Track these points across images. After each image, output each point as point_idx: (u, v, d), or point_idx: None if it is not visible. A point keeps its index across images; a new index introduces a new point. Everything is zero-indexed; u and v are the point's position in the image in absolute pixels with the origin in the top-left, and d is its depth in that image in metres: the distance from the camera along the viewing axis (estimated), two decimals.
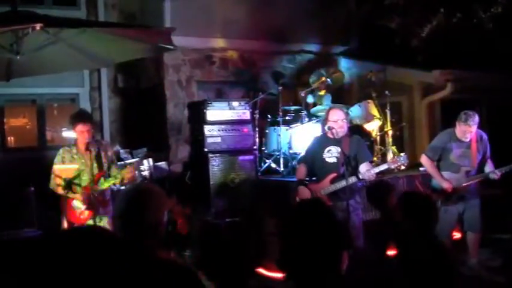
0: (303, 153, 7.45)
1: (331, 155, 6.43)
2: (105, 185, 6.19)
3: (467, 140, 6.96)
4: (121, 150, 8.89)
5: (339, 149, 6.33)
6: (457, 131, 6.99)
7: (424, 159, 7.22)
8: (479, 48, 9.64)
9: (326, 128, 6.51)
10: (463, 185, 6.92)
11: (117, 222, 2.78)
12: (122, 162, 7.10)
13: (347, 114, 6.75)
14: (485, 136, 7.16)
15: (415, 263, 3.46)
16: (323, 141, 6.60)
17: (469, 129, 6.86)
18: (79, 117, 6.26)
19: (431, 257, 3.44)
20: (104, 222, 6.20)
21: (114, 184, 6.42)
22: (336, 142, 6.40)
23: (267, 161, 9.13)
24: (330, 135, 6.48)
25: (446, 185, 6.92)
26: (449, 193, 6.94)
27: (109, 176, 6.27)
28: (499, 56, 9.12)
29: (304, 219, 2.67)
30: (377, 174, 6.37)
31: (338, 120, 6.39)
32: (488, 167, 7.05)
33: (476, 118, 6.88)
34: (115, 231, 2.76)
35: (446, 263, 3.50)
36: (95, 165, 6.15)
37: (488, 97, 11.36)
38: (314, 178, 6.65)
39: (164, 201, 2.88)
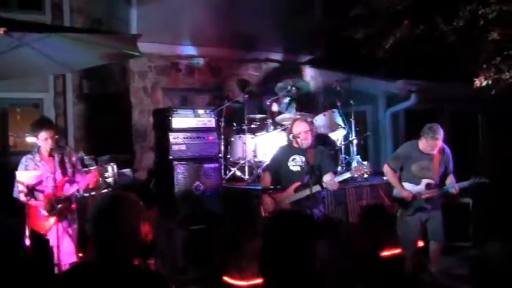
0: (267, 161, 7.48)
1: (296, 163, 6.49)
2: (70, 190, 6.14)
3: (430, 152, 7.00)
4: (85, 157, 8.79)
5: (304, 158, 6.37)
6: (422, 145, 7.01)
7: (386, 168, 7.26)
8: (442, 60, 9.81)
9: (291, 137, 6.54)
10: (423, 196, 6.99)
11: (90, 229, 2.77)
12: (86, 169, 7.02)
13: (312, 124, 6.79)
14: (448, 150, 7.20)
15: None
16: (288, 150, 6.65)
17: (436, 142, 6.89)
18: (41, 124, 6.19)
19: None
20: (70, 230, 6.14)
21: (77, 191, 6.36)
22: (301, 151, 6.46)
23: (232, 169, 9.14)
24: (295, 144, 6.54)
25: (406, 195, 6.97)
26: (409, 202, 7.00)
27: (73, 181, 6.22)
28: (460, 67, 9.30)
29: (284, 227, 2.85)
30: (340, 182, 6.41)
31: (302, 132, 6.46)
32: (449, 181, 7.12)
33: (442, 132, 6.92)
34: (88, 238, 2.77)
35: None
36: (59, 171, 6.10)
37: (451, 107, 11.56)
38: (279, 186, 6.65)
39: (139, 209, 2.89)
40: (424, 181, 7.01)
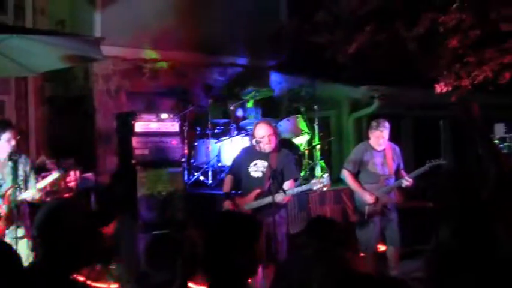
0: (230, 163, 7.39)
1: (257, 169, 6.41)
2: (22, 196, 6.01)
3: (381, 148, 7.21)
4: (47, 161, 8.68)
5: (266, 163, 6.32)
6: (371, 141, 7.25)
7: (344, 173, 7.36)
8: (404, 66, 9.95)
9: (254, 142, 6.47)
10: (383, 193, 7.10)
11: (35, 238, 2.77)
12: (47, 173, 6.92)
13: (275, 128, 6.73)
14: (398, 149, 7.44)
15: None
16: (250, 154, 6.57)
17: (381, 134, 7.12)
18: (5, 125, 6.10)
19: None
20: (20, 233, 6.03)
21: (32, 197, 6.21)
22: (263, 156, 6.40)
23: (196, 173, 9.13)
24: (257, 148, 6.45)
25: (368, 197, 7.06)
26: (372, 205, 7.08)
27: (26, 188, 6.11)
28: (421, 73, 9.45)
29: (226, 229, 3.00)
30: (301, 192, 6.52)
31: (265, 136, 6.36)
32: (402, 175, 7.28)
33: (387, 124, 7.19)
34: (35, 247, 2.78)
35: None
36: (10, 177, 5.97)
37: (413, 112, 11.73)
38: (240, 192, 6.62)
39: (82, 218, 2.88)
40: (382, 177, 7.19)
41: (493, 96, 10.01)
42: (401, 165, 7.41)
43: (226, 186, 6.63)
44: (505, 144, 11.42)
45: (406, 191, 8.26)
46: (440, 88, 8.77)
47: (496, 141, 11.40)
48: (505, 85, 8.77)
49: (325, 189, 6.37)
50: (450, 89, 8.78)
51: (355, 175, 7.32)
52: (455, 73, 8.69)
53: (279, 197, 6.11)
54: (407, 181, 7.09)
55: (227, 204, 6.41)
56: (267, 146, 6.37)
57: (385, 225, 7.21)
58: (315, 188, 6.26)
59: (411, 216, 8.10)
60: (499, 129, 11.83)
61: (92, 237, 2.88)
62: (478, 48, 8.72)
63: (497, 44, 8.57)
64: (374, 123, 7.22)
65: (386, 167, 7.23)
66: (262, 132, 6.41)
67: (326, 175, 6.34)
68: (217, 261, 2.90)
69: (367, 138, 7.41)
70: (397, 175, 7.30)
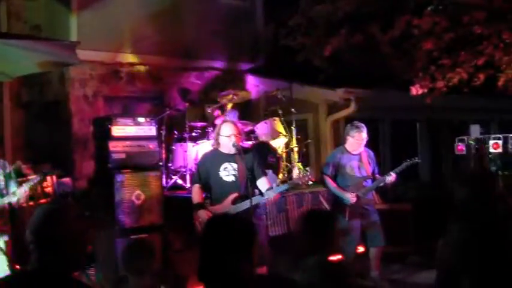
0: (194, 173, 7.15)
1: (228, 173, 6.19)
2: (7, 200, 5.99)
3: (358, 152, 7.30)
4: (23, 166, 8.63)
5: (235, 165, 6.16)
6: (349, 144, 7.34)
7: (324, 178, 7.40)
8: (380, 69, 10.05)
9: (221, 139, 6.26)
10: (363, 193, 7.17)
11: (29, 239, 2.74)
12: (24, 178, 6.88)
13: (240, 128, 6.62)
14: (372, 153, 7.57)
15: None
16: (217, 158, 6.30)
17: (362, 135, 7.22)
18: None
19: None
20: (1, 242, 6.00)
21: (10, 202, 6.19)
22: (231, 158, 6.20)
23: (173, 177, 9.12)
24: (223, 150, 6.27)
25: (349, 196, 7.09)
26: (352, 206, 7.12)
27: (6, 193, 6.08)
28: (397, 76, 9.55)
29: (225, 234, 2.87)
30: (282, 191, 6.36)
31: (231, 135, 6.16)
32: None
33: (364, 127, 7.29)
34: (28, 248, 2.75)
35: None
36: None
37: (390, 115, 11.82)
38: (209, 200, 6.40)
39: (78, 220, 2.86)
40: (360, 179, 7.27)
41: (468, 97, 10.13)
42: (376, 170, 7.49)
43: (197, 196, 6.33)
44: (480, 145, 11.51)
45: (382, 194, 8.35)
46: (415, 90, 8.86)
47: (472, 142, 11.50)
48: (479, 87, 8.88)
49: (310, 182, 6.34)
50: (425, 91, 8.87)
51: (334, 179, 7.36)
52: (430, 75, 8.78)
53: (272, 194, 6.03)
54: (390, 176, 7.14)
55: (202, 214, 6.10)
56: (231, 146, 6.13)
57: (367, 226, 7.27)
58: (299, 182, 6.26)
59: (390, 218, 8.15)
60: (475, 130, 11.94)
61: (87, 241, 2.87)
62: (452, 51, 8.83)
63: (470, 46, 8.68)
64: (354, 127, 7.29)
65: (363, 169, 7.32)
66: (228, 131, 6.19)
67: (308, 169, 6.33)
68: (215, 268, 2.80)
69: (344, 141, 7.45)
70: (373, 180, 7.38)
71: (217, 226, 2.98)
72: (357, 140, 7.24)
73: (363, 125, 7.31)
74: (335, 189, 7.31)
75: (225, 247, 2.79)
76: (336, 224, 4.15)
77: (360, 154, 7.33)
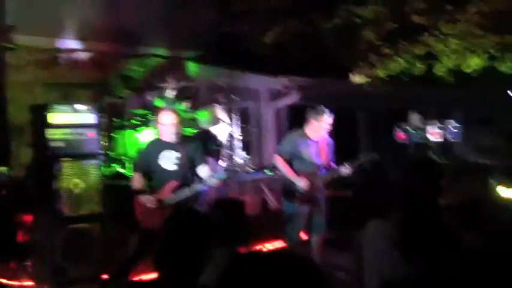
0: (136, 160, 7.12)
1: (169, 161, 6.18)
2: None
3: (318, 138, 7.12)
4: None
5: (176, 154, 6.14)
6: (310, 129, 7.10)
7: (277, 158, 7.21)
8: (322, 57, 10.11)
9: (162, 128, 6.24)
10: (316, 181, 7.09)
11: None
12: None
13: (180, 117, 6.51)
14: (331, 142, 7.39)
15: None
16: (158, 147, 6.29)
17: (327, 120, 7.04)
18: None
19: None
20: None
21: None
22: (171, 146, 6.18)
23: (114, 165, 9.00)
24: (164, 138, 6.24)
25: (302, 183, 6.97)
26: (304, 193, 7.04)
27: None
28: (338, 64, 9.64)
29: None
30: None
31: (170, 123, 6.14)
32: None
33: (329, 112, 7.10)
34: None
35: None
36: None
37: (332, 103, 11.93)
38: (149, 188, 6.38)
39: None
40: (315, 166, 7.12)
41: (408, 86, 10.31)
42: (332, 157, 7.41)
43: (137, 184, 6.35)
44: (420, 133, 11.74)
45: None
46: (356, 79, 8.95)
47: (411, 130, 11.73)
48: (418, 76, 9.04)
49: (250, 170, 6.28)
50: (367, 79, 8.98)
51: (288, 162, 7.17)
52: (371, 64, 8.89)
53: (213, 182, 6.01)
54: (346, 169, 7.05)
55: (143, 198, 6.14)
56: (172, 134, 6.14)
57: (314, 213, 7.18)
58: (240, 170, 6.22)
59: (329, 205, 8.23)
60: (415, 119, 12.18)
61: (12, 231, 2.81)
62: (393, 40, 8.94)
63: (411, 36, 8.81)
64: (314, 111, 7.07)
65: (320, 157, 7.16)
66: (168, 119, 6.17)
67: (249, 157, 6.27)
68: (174, 256, 2.85)
69: (306, 125, 7.24)
70: (328, 168, 7.28)
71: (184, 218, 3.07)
72: (320, 124, 7.03)
73: (326, 109, 7.09)
74: (287, 173, 7.10)
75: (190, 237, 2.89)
76: (243, 214, 4.06)
77: (318, 141, 7.15)
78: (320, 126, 7.06)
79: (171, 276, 2.82)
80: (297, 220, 7.08)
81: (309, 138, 7.12)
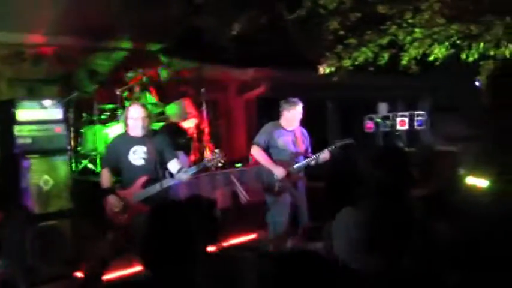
0: (104, 156, 7.08)
1: (138, 156, 6.12)
2: None
3: (292, 127, 7.25)
4: None
5: (145, 148, 6.10)
6: (284, 120, 7.24)
7: (254, 148, 7.25)
8: (290, 48, 10.15)
9: (129, 122, 6.17)
10: (293, 169, 7.13)
11: None
12: None
13: (148, 111, 6.38)
14: (306, 132, 7.53)
15: None
16: (126, 142, 6.22)
17: (299, 110, 7.19)
18: None
19: None
20: None
21: None
22: (140, 141, 6.13)
23: (83, 161, 8.95)
24: (132, 133, 6.19)
25: (279, 171, 7.03)
26: (281, 182, 7.08)
27: None
28: (305, 55, 9.69)
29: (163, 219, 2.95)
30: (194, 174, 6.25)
31: (139, 117, 6.08)
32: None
33: (300, 102, 7.25)
34: None
35: None
36: None
37: (300, 93, 11.99)
38: (119, 184, 6.36)
39: None
40: (292, 155, 7.19)
41: (374, 76, 10.41)
42: (309, 149, 7.49)
43: (105, 181, 6.28)
44: (388, 122, 11.88)
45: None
46: (322, 69, 9.01)
47: (379, 119, 11.86)
48: (384, 66, 9.13)
49: (219, 164, 6.27)
50: (333, 70, 9.04)
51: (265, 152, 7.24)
52: (337, 54, 8.95)
53: (183, 176, 5.99)
54: (323, 154, 7.17)
55: (111, 199, 6.08)
56: (140, 129, 6.10)
57: (296, 205, 7.22)
58: (209, 164, 6.19)
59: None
60: (382, 108, 12.32)
61: None
62: (357, 30, 9.02)
63: (375, 26, 8.89)
64: (289, 102, 7.22)
65: (296, 145, 7.27)
66: (137, 114, 6.11)
67: (218, 150, 6.28)
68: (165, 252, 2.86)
69: (280, 116, 7.35)
70: (307, 157, 7.35)
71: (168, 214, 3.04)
72: (293, 114, 7.19)
73: (297, 99, 7.27)
74: (265, 162, 7.15)
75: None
76: (213, 213, 4.05)
77: (294, 130, 7.29)
78: (293, 117, 7.20)
79: (154, 274, 2.85)
80: (279, 209, 7.12)
81: (283, 128, 7.25)
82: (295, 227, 7.38)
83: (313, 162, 7.23)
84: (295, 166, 7.19)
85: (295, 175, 7.22)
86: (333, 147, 7.27)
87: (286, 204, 7.17)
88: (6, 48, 9.83)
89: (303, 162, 7.26)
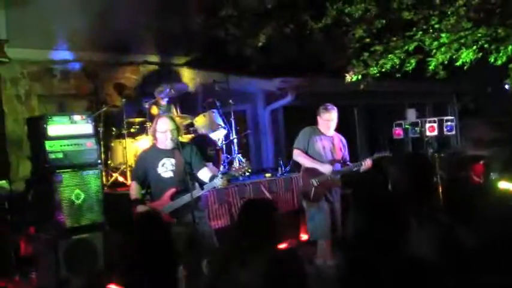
0: (133, 169, 7.13)
1: (166, 169, 6.19)
2: None
3: (330, 133, 7.34)
4: None
5: (174, 161, 6.15)
6: (320, 125, 7.34)
7: (296, 152, 7.38)
8: (315, 57, 10.16)
9: (158, 135, 6.24)
10: (331, 176, 7.17)
11: None
12: None
13: (177, 123, 6.49)
14: (344, 140, 7.60)
15: None
16: (155, 154, 6.29)
17: (332, 116, 7.27)
18: None
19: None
20: None
21: None
22: (169, 153, 6.19)
23: (114, 174, 9.03)
24: (160, 146, 6.26)
25: (327, 167, 7.15)
26: (317, 188, 7.13)
27: None
28: (331, 63, 9.69)
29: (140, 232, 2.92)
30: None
31: (168, 130, 6.15)
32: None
33: (335, 108, 7.36)
34: None
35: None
36: None
37: (327, 102, 11.98)
38: (148, 196, 6.41)
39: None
40: (329, 161, 7.23)
41: (402, 82, 10.36)
42: (347, 158, 7.51)
43: (134, 192, 6.32)
44: (416, 128, 11.76)
45: None
46: (350, 77, 8.99)
47: (408, 126, 11.75)
48: (411, 72, 9.07)
49: (247, 174, 6.27)
50: (360, 77, 9.02)
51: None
52: (363, 62, 8.93)
53: (218, 182, 5.97)
54: (366, 162, 7.18)
55: (141, 209, 6.02)
56: (169, 142, 6.15)
57: (331, 212, 7.23)
58: (237, 174, 6.21)
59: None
60: (411, 115, 12.20)
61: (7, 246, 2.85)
62: (383, 37, 8.99)
63: (401, 32, 8.86)
64: (323, 108, 7.32)
65: (334, 153, 7.33)
66: (164, 127, 6.17)
67: (245, 160, 6.31)
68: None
69: (316, 122, 7.43)
70: (343, 165, 7.40)
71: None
72: (325, 120, 7.27)
73: (332, 106, 7.35)
74: (311, 162, 7.25)
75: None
76: (274, 213, 4.04)
77: (332, 137, 7.37)
78: (323, 122, 7.29)
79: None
80: (321, 215, 7.16)
81: (322, 133, 7.35)
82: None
83: (355, 169, 7.25)
84: (335, 170, 7.21)
85: (332, 181, 7.22)
86: (375, 156, 7.26)
87: (325, 210, 7.19)
88: (35, 65, 9.98)
89: (344, 168, 7.30)
